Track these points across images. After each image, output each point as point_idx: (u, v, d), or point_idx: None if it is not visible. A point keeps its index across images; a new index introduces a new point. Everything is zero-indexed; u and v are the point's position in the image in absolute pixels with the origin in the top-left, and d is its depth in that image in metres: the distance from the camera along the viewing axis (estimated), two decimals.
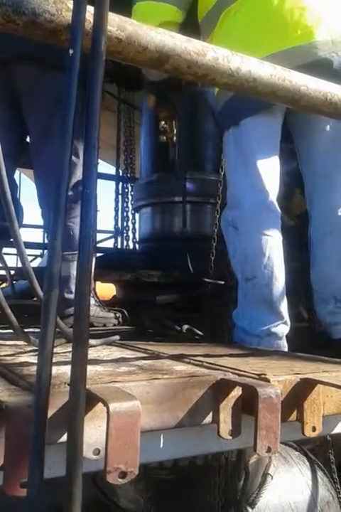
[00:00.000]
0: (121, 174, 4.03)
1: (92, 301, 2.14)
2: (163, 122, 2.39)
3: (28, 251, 4.11)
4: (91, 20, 0.60)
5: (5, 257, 2.34)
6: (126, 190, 3.86)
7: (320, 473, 2.17)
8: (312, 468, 2.16)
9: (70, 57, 0.56)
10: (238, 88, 0.77)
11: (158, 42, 0.68)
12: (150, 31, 0.68)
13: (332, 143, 1.86)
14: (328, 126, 1.84)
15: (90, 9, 0.61)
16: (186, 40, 0.71)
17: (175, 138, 2.45)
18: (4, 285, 3.21)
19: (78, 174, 1.82)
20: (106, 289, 3.31)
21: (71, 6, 0.61)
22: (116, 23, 0.65)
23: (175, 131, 2.41)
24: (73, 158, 1.80)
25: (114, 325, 2.12)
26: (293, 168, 2.03)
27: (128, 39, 0.66)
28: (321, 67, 1.66)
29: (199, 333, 1.85)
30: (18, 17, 0.63)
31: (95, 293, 2.28)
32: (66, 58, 0.57)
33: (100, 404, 0.74)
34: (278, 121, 1.84)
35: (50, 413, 0.72)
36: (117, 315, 2.16)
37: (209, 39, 1.88)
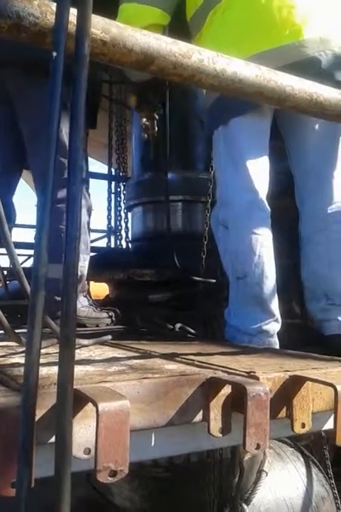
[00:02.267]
0: (113, 173, 4.02)
1: (86, 301, 2.14)
2: (144, 119, 2.42)
3: (21, 251, 4.09)
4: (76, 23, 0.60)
5: None
6: (119, 189, 3.86)
7: (314, 470, 2.19)
8: (306, 464, 2.17)
9: (54, 60, 0.56)
10: (224, 89, 0.78)
11: (143, 44, 0.68)
12: (135, 33, 0.68)
13: (321, 141, 1.87)
14: (317, 125, 1.85)
15: (74, 12, 0.62)
16: (171, 42, 0.71)
17: (156, 135, 2.46)
18: None
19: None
20: (100, 289, 3.31)
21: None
22: (100, 26, 0.65)
23: (156, 128, 2.42)
24: (62, 159, 1.81)
25: (107, 325, 2.12)
26: (285, 166, 2.04)
27: (113, 41, 0.66)
28: (310, 66, 1.67)
29: (192, 331, 1.86)
30: (3, 20, 0.63)
31: (89, 293, 2.28)
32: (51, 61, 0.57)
33: (90, 404, 0.74)
34: (267, 121, 1.85)
35: (40, 413, 0.72)
36: (110, 315, 2.16)
37: (197, 38, 1.88)
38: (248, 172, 1.76)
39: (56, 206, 1.74)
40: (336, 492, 2.18)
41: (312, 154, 1.88)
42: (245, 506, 1.83)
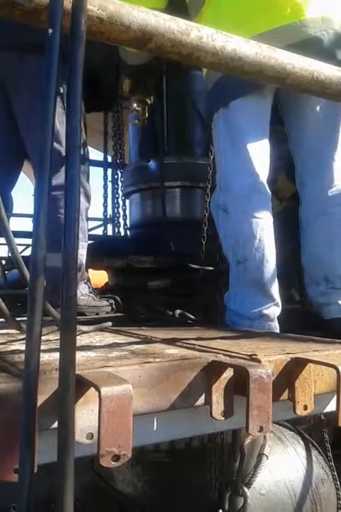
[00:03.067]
0: (109, 160, 3.99)
1: (86, 289, 2.13)
2: (135, 105, 2.40)
3: (20, 240, 4.07)
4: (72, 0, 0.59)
5: None
6: (116, 176, 3.82)
7: (314, 452, 2.20)
8: (306, 447, 2.19)
9: (50, 38, 0.55)
10: (224, 67, 0.76)
11: (141, 21, 0.67)
12: (132, 10, 0.66)
13: (322, 123, 1.85)
14: (318, 107, 1.83)
15: None
16: (170, 19, 0.70)
17: (146, 122, 2.46)
18: None
19: (63, 162, 1.80)
20: (98, 277, 3.30)
21: None
22: (97, 3, 0.64)
23: (147, 114, 2.41)
24: (55, 144, 1.79)
25: (107, 313, 2.12)
26: (278, 151, 2.03)
27: (110, 18, 0.65)
28: (311, 46, 1.65)
29: (192, 317, 1.86)
30: None
31: (89, 281, 2.27)
32: (45, 40, 0.56)
33: (92, 389, 0.74)
34: (268, 103, 1.83)
35: (42, 399, 0.72)
36: (110, 302, 2.15)
37: (196, 20, 1.85)
38: (248, 155, 1.74)
39: (52, 194, 1.73)
40: (335, 474, 2.20)
41: (312, 137, 1.86)
42: (246, 489, 1.84)
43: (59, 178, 1.53)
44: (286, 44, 1.50)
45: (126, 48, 2.09)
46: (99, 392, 0.70)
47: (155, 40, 0.68)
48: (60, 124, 1.69)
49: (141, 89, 2.34)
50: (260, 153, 1.77)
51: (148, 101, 2.43)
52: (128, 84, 2.33)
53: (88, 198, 2.12)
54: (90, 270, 2.85)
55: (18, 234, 3.56)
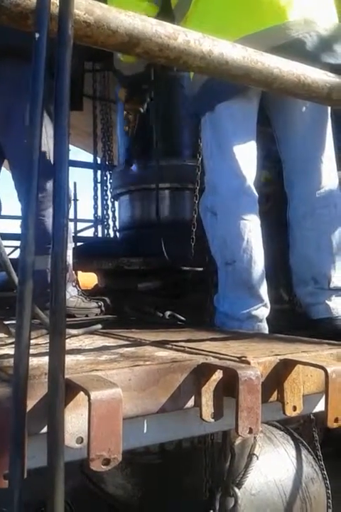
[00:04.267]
0: (99, 162, 3.98)
1: (75, 291, 2.12)
2: (125, 112, 2.41)
3: (7, 242, 4.04)
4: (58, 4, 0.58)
5: None
6: (105, 178, 3.81)
7: (304, 452, 2.22)
8: (296, 447, 2.20)
9: (36, 42, 0.55)
10: (211, 71, 0.77)
11: (128, 25, 0.67)
12: (119, 14, 0.66)
13: (309, 125, 1.87)
14: (304, 108, 1.84)
15: None
16: (157, 23, 0.70)
17: (135, 129, 2.46)
18: None
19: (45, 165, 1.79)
20: (88, 279, 3.29)
21: None
22: (83, 7, 0.64)
23: (136, 124, 2.42)
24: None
25: (97, 315, 2.11)
26: (273, 151, 2.04)
27: (97, 23, 0.65)
28: (294, 49, 1.66)
29: (182, 318, 1.86)
30: None
31: (78, 283, 2.26)
32: (29, 43, 0.55)
33: (81, 393, 0.74)
34: (254, 105, 1.84)
35: (31, 404, 0.72)
36: (99, 304, 2.15)
37: (182, 24, 1.86)
38: (235, 158, 1.75)
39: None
40: (325, 473, 2.22)
41: (300, 138, 1.88)
42: (236, 490, 1.85)
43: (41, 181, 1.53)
44: (270, 46, 1.51)
45: (120, 59, 2.10)
46: (89, 396, 0.70)
47: (142, 44, 0.68)
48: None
49: (137, 98, 2.35)
50: (247, 156, 1.78)
51: (141, 110, 2.44)
52: (123, 93, 2.32)
53: (68, 199, 2.12)
54: (79, 272, 2.84)
55: (5, 236, 3.54)
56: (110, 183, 3.63)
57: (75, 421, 0.75)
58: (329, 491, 2.18)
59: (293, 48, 1.64)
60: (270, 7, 1.71)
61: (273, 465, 2.06)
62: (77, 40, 0.63)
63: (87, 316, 2.07)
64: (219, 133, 1.81)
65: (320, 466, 2.24)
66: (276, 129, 1.96)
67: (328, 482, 2.20)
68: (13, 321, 1.28)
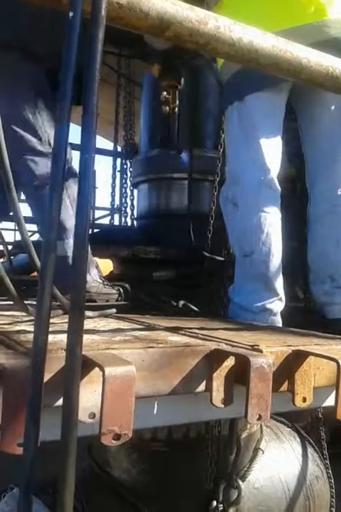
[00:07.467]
0: (119, 150, 4.00)
1: (97, 276, 2.12)
2: (165, 92, 2.35)
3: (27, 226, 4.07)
4: None
5: (2, 232, 2.32)
6: (125, 166, 3.83)
7: (310, 449, 2.21)
8: (303, 444, 2.20)
9: (70, 21, 0.56)
10: (239, 59, 0.77)
11: (160, 9, 0.67)
12: None
13: (335, 121, 1.85)
14: (332, 106, 1.83)
15: None
16: (188, 8, 0.70)
17: (177, 109, 2.40)
18: (1, 260, 3.20)
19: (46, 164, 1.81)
20: (103, 265, 3.31)
21: None
22: None
23: (177, 101, 2.36)
24: (39, 147, 1.78)
25: (116, 301, 2.12)
26: (297, 148, 2.02)
27: (129, 5, 0.66)
28: (332, 47, 1.63)
29: (195, 308, 1.87)
30: None
31: (98, 268, 2.26)
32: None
33: (96, 370, 0.75)
34: (283, 99, 1.82)
35: (47, 377, 0.73)
36: (120, 290, 2.15)
37: (215, 9, 1.84)
38: (260, 149, 1.74)
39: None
40: (330, 472, 2.21)
41: (325, 133, 1.86)
42: (240, 482, 1.86)
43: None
44: (308, 43, 1.49)
45: None
46: (104, 371, 0.71)
47: (173, 28, 0.69)
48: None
49: (171, 73, 2.29)
50: (272, 149, 1.77)
51: (179, 86, 2.37)
52: (157, 69, 2.28)
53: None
54: (96, 258, 2.85)
55: (25, 220, 3.57)
56: (130, 171, 3.65)
57: (89, 396, 0.76)
58: (334, 491, 2.17)
59: (331, 46, 1.61)
60: (310, 3, 1.69)
61: (278, 460, 2.06)
62: (110, 22, 0.64)
63: (107, 301, 2.07)
64: (246, 123, 1.80)
65: (326, 465, 2.23)
66: (302, 125, 1.95)
67: (333, 482, 2.20)
68: (29, 302, 1.30)
